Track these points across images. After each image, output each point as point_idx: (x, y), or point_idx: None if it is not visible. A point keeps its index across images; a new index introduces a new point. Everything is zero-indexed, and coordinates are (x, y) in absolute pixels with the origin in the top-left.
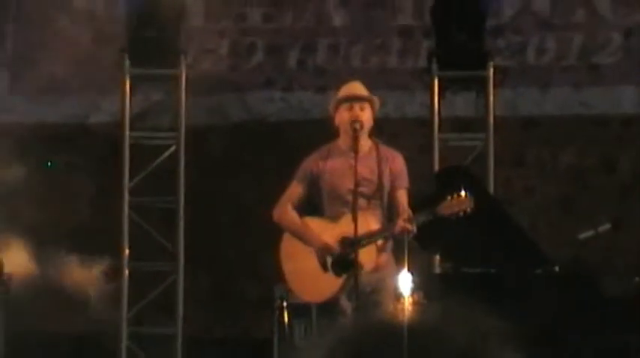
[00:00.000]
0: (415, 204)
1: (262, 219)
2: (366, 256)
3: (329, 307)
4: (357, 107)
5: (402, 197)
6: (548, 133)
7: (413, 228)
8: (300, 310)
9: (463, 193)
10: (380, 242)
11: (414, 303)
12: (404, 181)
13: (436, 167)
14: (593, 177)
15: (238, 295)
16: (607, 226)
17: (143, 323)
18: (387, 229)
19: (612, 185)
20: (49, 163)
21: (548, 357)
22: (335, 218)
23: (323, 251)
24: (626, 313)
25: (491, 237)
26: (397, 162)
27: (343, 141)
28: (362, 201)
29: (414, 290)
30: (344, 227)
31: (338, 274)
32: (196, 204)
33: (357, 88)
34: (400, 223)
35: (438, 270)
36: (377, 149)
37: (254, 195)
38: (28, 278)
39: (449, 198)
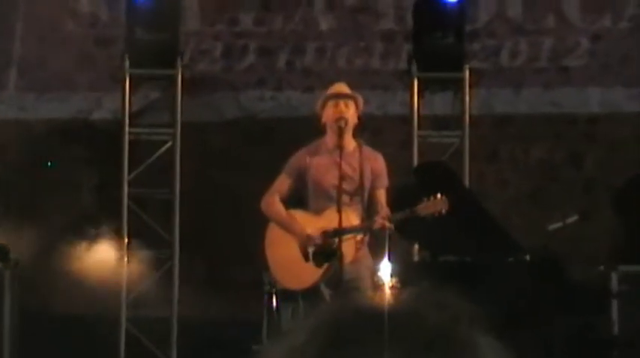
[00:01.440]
0: (394, 197)
1: (254, 210)
2: (346, 249)
3: (311, 293)
4: (342, 104)
5: (382, 196)
6: (521, 131)
7: (391, 225)
8: (287, 295)
9: (439, 195)
10: (359, 238)
11: (390, 288)
12: (384, 181)
13: (415, 162)
14: (562, 172)
15: (231, 281)
16: (574, 217)
17: (141, 307)
18: (367, 225)
19: (579, 179)
20: (49, 163)
21: (519, 339)
22: (318, 211)
23: (305, 242)
24: (591, 298)
25: (467, 228)
26: (378, 163)
27: (330, 139)
28: (344, 197)
29: (391, 277)
30: (326, 221)
31: (319, 264)
32: (192, 196)
33: (343, 87)
34: (379, 220)
35: (416, 259)
36: (360, 149)
37: (246, 187)
38: (34, 263)
39: (425, 199)
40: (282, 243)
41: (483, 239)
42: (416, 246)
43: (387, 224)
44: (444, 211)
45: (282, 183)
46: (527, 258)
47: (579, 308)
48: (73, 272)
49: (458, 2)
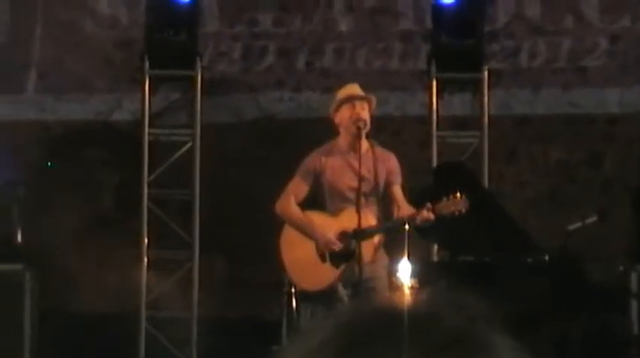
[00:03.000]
0: (413, 198)
1: (273, 210)
2: (365, 250)
3: (330, 294)
4: (358, 106)
5: (398, 192)
6: (539, 131)
7: (432, 216)
8: (306, 296)
9: (459, 195)
10: (376, 239)
11: (408, 288)
12: (398, 178)
13: (434, 162)
14: (581, 172)
15: (250, 281)
16: (594, 218)
17: (161, 308)
18: (388, 225)
19: (598, 179)
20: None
21: (537, 339)
22: (335, 213)
23: (326, 246)
24: (609, 298)
25: (486, 228)
26: (392, 161)
27: (343, 140)
28: (361, 198)
29: (410, 277)
30: (344, 222)
31: (336, 265)
32: (212, 197)
33: (356, 88)
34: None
35: (435, 259)
36: (372, 149)
37: (265, 188)
38: (53, 263)
39: (445, 199)
40: (298, 244)
41: (502, 239)
42: (435, 246)
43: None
44: (463, 210)
45: (297, 186)
46: (546, 258)
47: (598, 308)
48: (92, 273)
49: (471, 3)
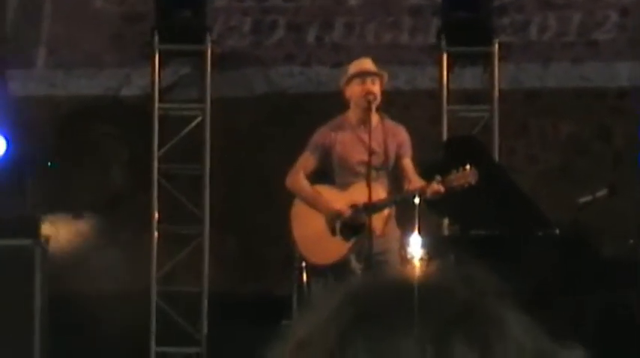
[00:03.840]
0: (423, 171)
1: (284, 185)
2: (375, 223)
3: (342, 268)
4: (369, 81)
5: (409, 165)
6: (550, 105)
7: (442, 189)
8: (318, 271)
9: (468, 167)
10: (386, 213)
11: (419, 261)
12: (408, 150)
13: (445, 137)
14: (591, 146)
15: (261, 256)
16: (604, 191)
17: (172, 283)
18: (403, 195)
19: (608, 153)
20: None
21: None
22: (345, 186)
23: (334, 216)
24: (621, 272)
25: (497, 202)
26: (402, 135)
27: (353, 114)
28: (371, 172)
29: (421, 251)
30: (354, 195)
31: (347, 238)
32: (222, 171)
33: (369, 63)
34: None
35: (446, 233)
36: (382, 123)
37: (276, 162)
38: (64, 239)
39: (454, 171)
40: (308, 219)
41: (513, 213)
42: (445, 220)
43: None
44: (473, 183)
45: (307, 160)
46: (557, 232)
47: (609, 282)
48: (103, 249)
49: None
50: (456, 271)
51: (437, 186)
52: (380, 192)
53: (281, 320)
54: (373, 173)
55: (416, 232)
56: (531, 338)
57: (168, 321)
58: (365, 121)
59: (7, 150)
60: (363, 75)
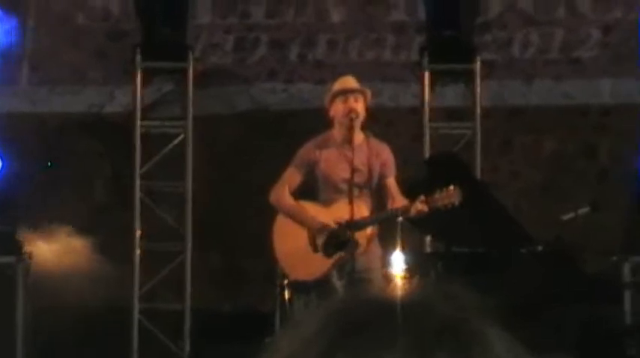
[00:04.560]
0: (406, 189)
1: (266, 202)
2: (359, 240)
3: (324, 284)
4: (351, 99)
5: (392, 184)
6: (532, 122)
7: (426, 208)
8: (300, 287)
9: (452, 187)
10: (369, 231)
11: (401, 279)
12: (392, 170)
13: (427, 154)
14: (574, 163)
15: (244, 273)
16: (586, 208)
17: (154, 300)
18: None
19: (592, 170)
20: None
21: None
22: (328, 203)
23: (320, 230)
24: (604, 289)
25: (479, 219)
26: (386, 153)
27: (338, 132)
28: (354, 190)
29: (403, 268)
30: (336, 212)
31: (329, 255)
32: (204, 188)
33: (351, 81)
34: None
35: (429, 250)
36: (367, 142)
37: (259, 179)
38: (46, 256)
39: (438, 191)
40: (291, 235)
41: (496, 230)
42: (428, 238)
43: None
44: (457, 203)
45: (292, 176)
46: (540, 248)
47: (591, 298)
48: (85, 265)
49: None
50: (437, 288)
51: (420, 206)
52: (363, 210)
53: (264, 337)
54: (356, 191)
55: (398, 249)
56: (513, 355)
57: (151, 339)
58: (349, 139)
59: None
60: (345, 93)
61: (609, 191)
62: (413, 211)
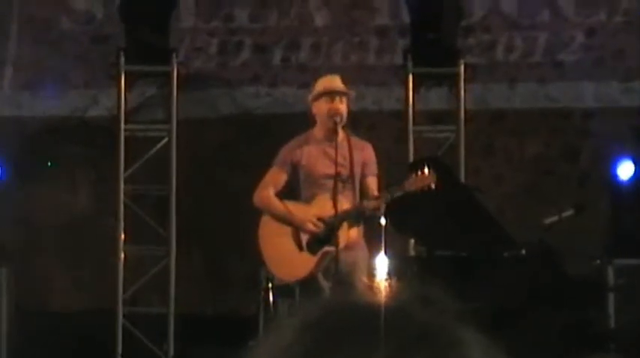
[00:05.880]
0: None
1: (251, 205)
2: (341, 235)
3: (310, 286)
4: (337, 100)
5: (373, 183)
6: (516, 125)
7: (382, 206)
8: (284, 290)
9: (427, 170)
10: (354, 232)
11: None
12: (373, 169)
13: (411, 157)
14: (557, 166)
15: (228, 276)
16: (570, 211)
17: (138, 304)
18: (357, 207)
19: (574, 173)
20: (50, 163)
21: (514, 334)
22: (309, 200)
23: (307, 228)
24: (587, 292)
25: (462, 223)
26: (367, 151)
27: (319, 130)
28: (338, 184)
29: (386, 272)
30: (317, 208)
31: (313, 252)
32: (188, 192)
33: (337, 81)
34: (371, 202)
35: (412, 253)
36: (348, 139)
37: (242, 182)
38: (30, 260)
39: (413, 175)
40: (276, 236)
41: (479, 233)
42: (412, 241)
43: (377, 204)
44: (432, 186)
45: (276, 176)
46: (523, 252)
47: (575, 302)
48: (69, 269)
49: None
50: (415, 292)
51: (373, 202)
52: (344, 205)
53: (247, 340)
54: (339, 186)
55: (382, 253)
56: None
57: (135, 342)
58: (330, 138)
59: None
60: (332, 94)
61: (592, 194)
62: (366, 206)
